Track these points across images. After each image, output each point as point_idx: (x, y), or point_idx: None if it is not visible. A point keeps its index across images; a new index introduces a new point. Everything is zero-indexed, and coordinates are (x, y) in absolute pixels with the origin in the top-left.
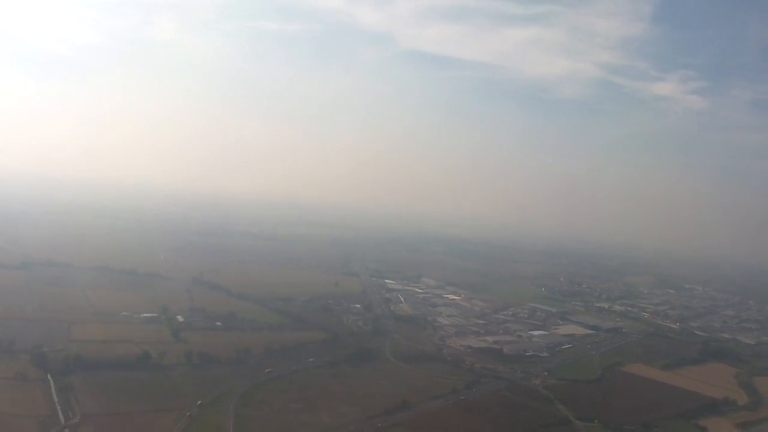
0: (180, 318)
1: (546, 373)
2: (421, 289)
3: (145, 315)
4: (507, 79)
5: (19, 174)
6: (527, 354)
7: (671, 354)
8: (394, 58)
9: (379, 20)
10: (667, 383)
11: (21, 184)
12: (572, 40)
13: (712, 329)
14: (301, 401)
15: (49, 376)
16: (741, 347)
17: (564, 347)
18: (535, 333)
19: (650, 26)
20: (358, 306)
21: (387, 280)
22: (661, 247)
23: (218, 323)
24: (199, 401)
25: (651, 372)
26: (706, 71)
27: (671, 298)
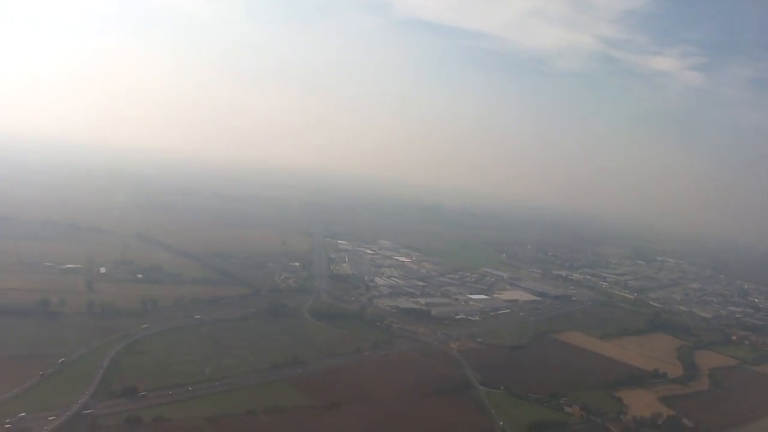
0: (102, 270)
1: (468, 337)
2: (372, 250)
3: (68, 266)
4: (506, 50)
5: (27, 137)
6: (457, 317)
7: (616, 324)
8: (392, 27)
9: None
10: (599, 353)
11: (21, 147)
12: (573, 12)
13: (671, 301)
14: (190, 353)
15: None
16: (695, 320)
17: (501, 312)
18: (475, 297)
19: (651, 0)
20: (297, 264)
21: (340, 241)
22: (650, 222)
23: (140, 276)
24: (81, 349)
25: (585, 341)
26: (706, 47)
27: (639, 269)
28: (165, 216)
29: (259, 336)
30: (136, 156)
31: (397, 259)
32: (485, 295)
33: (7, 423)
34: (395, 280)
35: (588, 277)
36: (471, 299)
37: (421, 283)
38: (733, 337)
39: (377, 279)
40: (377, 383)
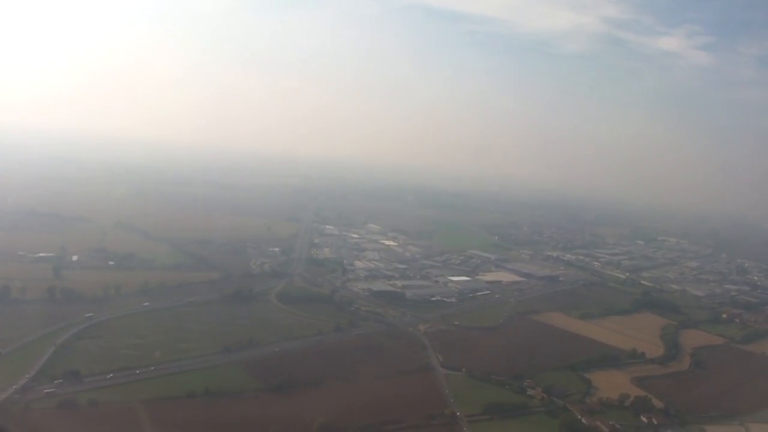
0: (75, 257)
1: (439, 319)
2: (358, 234)
3: (41, 255)
4: (511, 34)
5: (28, 131)
6: (432, 299)
7: (600, 303)
8: (397, 12)
9: None
10: (577, 333)
11: (19, 141)
12: None
13: (664, 280)
14: (144, 337)
15: None
16: (686, 299)
17: (480, 293)
18: (455, 279)
19: None
20: (276, 249)
21: (328, 226)
22: (656, 201)
23: (111, 263)
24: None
25: (565, 321)
26: (712, 26)
27: (636, 248)
28: (152, 205)
29: (219, 320)
30: (138, 148)
31: (382, 243)
32: (467, 276)
33: None
34: (375, 263)
35: (581, 257)
36: (450, 281)
37: (402, 266)
38: (724, 315)
39: (357, 263)
40: (329, 366)
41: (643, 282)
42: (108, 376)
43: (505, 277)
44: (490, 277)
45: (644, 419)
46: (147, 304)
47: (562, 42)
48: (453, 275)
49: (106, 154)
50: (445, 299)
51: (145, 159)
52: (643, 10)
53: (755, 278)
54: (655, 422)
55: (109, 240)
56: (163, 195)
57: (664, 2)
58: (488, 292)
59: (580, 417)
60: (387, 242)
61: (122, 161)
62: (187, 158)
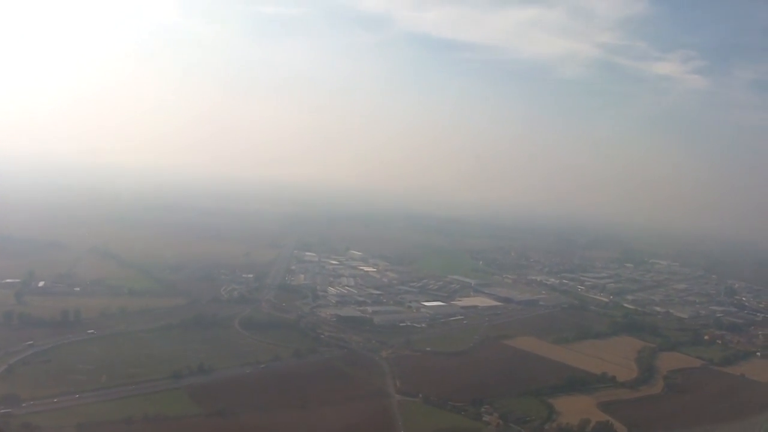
0: (41, 283)
1: (405, 345)
2: (337, 261)
3: (7, 280)
4: (507, 60)
5: (24, 159)
6: (401, 324)
7: (577, 327)
8: (393, 42)
9: (377, 3)
10: (547, 357)
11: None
12: (572, 21)
13: (648, 302)
14: (94, 362)
15: None
16: (669, 321)
17: (453, 319)
18: (429, 304)
19: (650, 5)
20: (250, 276)
21: (308, 253)
22: (651, 225)
23: (77, 288)
24: None
25: (537, 345)
26: (707, 51)
27: (624, 272)
28: (131, 231)
29: (174, 346)
30: (127, 174)
31: (361, 269)
32: (442, 302)
33: None
34: (349, 289)
35: (566, 281)
36: (424, 306)
37: (376, 292)
38: (706, 337)
39: (329, 288)
40: (279, 391)
41: (626, 305)
42: (49, 401)
43: (483, 301)
44: (466, 302)
45: None
46: (92, 331)
47: (558, 68)
48: (428, 301)
49: (92, 179)
50: (414, 324)
51: (131, 185)
52: (637, 36)
53: (744, 299)
54: None
55: (81, 266)
56: (144, 221)
57: (657, 28)
58: (461, 317)
59: None
60: (366, 268)
61: (108, 187)
62: (175, 184)
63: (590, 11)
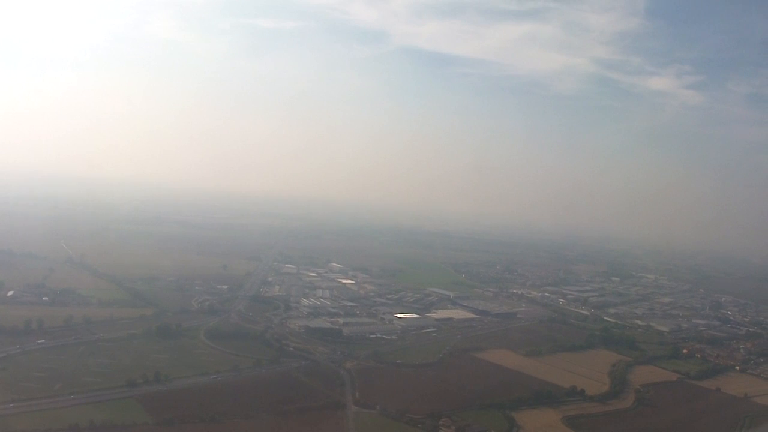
0: (10, 293)
1: (371, 356)
2: (315, 273)
3: None
4: (502, 75)
5: (19, 172)
6: (371, 336)
7: (552, 340)
8: (389, 56)
9: (374, 17)
10: (517, 370)
11: (11, 182)
12: (567, 36)
13: (630, 316)
14: (50, 370)
15: None
16: (648, 334)
17: (426, 331)
18: (403, 316)
19: (644, 21)
20: (224, 287)
21: (288, 265)
22: (646, 239)
23: (45, 298)
24: None
25: (508, 358)
26: (702, 66)
27: (610, 285)
28: (111, 243)
29: (134, 355)
30: (123, 187)
31: (339, 281)
32: (417, 314)
33: None
34: (323, 300)
35: (548, 294)
36: (397, 318)
37: (351, 304)
38: (685, 351)
39: (303, 300)
40: (233, 401)
41: (606, 318)
42: (2, 407)
43: (458, 314)
44: (442, 314)
45: None
46: (42, 341)
47: (554, 83)
48: (403, 313)
49: (83, 194)
50: (385, 336)
51: (122, 197)
52: (631, 51)
53: (729, 313)
54: None
55: (54, 276)
56: (125, 233)
57: (652, 43)
58: (434, 329)
59: None
60: (344, 280)
61: (97, 201)
62: (166, 197)
63: (585, 26)
